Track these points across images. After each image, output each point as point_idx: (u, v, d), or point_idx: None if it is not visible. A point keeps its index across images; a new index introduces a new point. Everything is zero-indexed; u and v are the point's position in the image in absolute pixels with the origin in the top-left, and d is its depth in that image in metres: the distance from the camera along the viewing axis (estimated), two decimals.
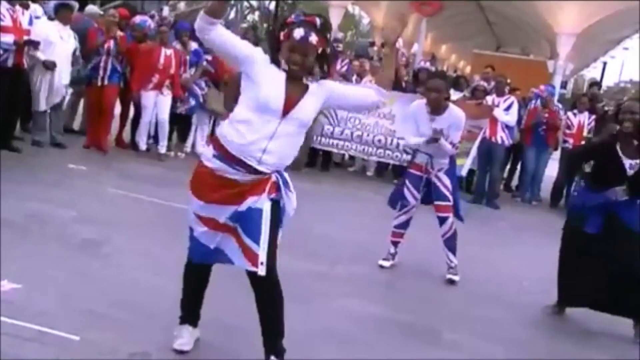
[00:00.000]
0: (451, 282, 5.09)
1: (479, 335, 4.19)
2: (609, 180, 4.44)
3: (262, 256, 2.89)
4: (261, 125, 2.91)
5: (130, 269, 4.25)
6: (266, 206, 2.94)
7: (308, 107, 3.02)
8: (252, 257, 2.92)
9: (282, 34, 2.99)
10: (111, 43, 7.79)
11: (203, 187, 3.02)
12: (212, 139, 3.08)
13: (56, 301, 3.56)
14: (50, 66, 7.17)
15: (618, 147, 4.45)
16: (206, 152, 3.06)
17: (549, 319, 4.75)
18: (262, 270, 2.88)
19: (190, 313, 3.34)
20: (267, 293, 2.99)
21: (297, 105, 2.96)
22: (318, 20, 2.98)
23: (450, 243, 5.13)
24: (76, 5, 7.75)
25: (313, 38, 2.92)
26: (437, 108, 4.93)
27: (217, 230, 3.04)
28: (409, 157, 8.97)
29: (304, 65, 2.96)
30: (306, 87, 3.03)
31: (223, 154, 2.96)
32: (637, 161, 4.40)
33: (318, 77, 3.08)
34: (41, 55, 7.09)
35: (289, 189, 3.07)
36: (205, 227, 3.05)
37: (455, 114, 4.96)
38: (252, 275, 2.95)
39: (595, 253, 4.47)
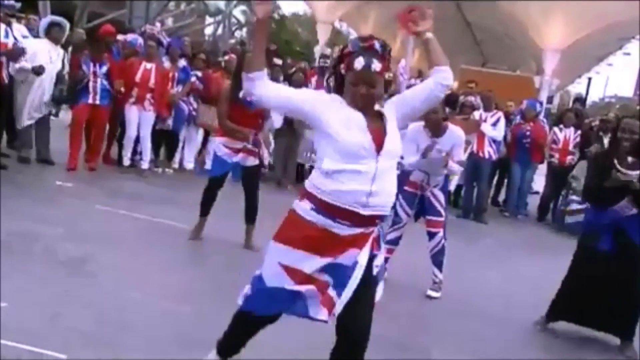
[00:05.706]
0: (430, 297, 5.10)
1: (466, 352, 4.19)
2: (610, 196, 4.43)
3: (339, 308, 2.65)
4: (360, 171, 2.61)
5: (117, 286, 4.21)
6: (363, 260, 2.68)
7: (394, 134, 2.72)
8: (328, 304, 2.67)
9: (341, 68, 2.70)
10: (97, 67, 7.65)
11: (297, 234, 2.71)
12: (306, 193, 2.73)
13: (43, 320, 3.52)
14: (38, 70, 7.08)
15: (616, 162, 4.47)
16: (302, 206, 2.73)
17: (536, 334, 4.74)
18: (330, 320, 2.67)
19: (231, 350, 3.02)
20: (351, 350, 2.71)
21: (386, 138, 2.67)
22: (377, 44, 2.65)
23: (438, 258, 5.13)
24: (67, 25, 7.70)
25: (376, 65, 2.62)
26: (437, 130, 4.95)
27: (302, 284, 2.70)
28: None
29: (372, 97, 2.67)
30: (381, 115, 2.74)
31: (323, 207, 2.66)
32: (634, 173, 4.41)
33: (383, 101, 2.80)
34: (27, 64, 7.02)
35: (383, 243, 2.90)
36: (291, 279, 2.70)
37: (456, 134, 5.02)
38: (342, 327, 2.71)
39: (605, 273, 4.44)
